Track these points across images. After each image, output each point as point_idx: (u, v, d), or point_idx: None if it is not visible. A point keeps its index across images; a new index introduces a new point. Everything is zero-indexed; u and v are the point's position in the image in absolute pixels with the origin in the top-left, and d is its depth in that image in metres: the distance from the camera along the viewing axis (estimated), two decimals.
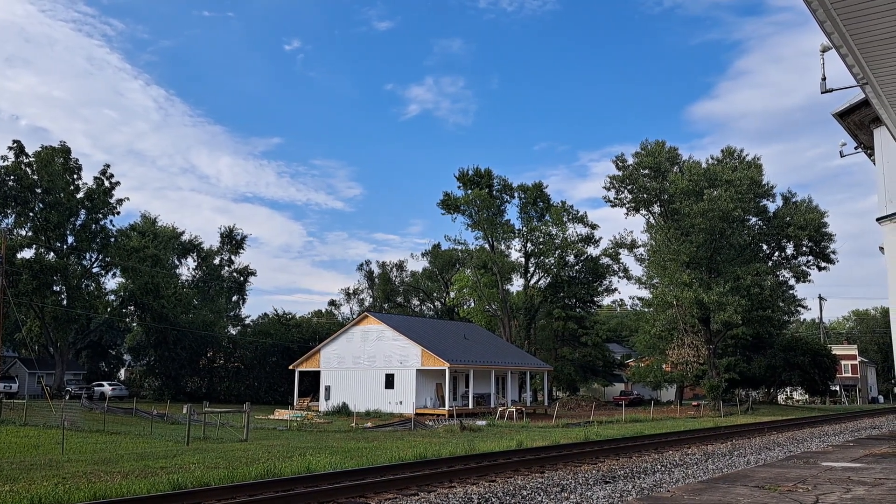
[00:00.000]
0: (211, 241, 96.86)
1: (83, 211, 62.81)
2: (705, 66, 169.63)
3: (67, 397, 47.98)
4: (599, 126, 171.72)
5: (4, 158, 58.68)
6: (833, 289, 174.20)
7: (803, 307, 70.60)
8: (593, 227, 69.95)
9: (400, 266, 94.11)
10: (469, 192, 67.59)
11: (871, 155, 11.60)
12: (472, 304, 72.05)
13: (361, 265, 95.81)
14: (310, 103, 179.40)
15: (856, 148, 12.28)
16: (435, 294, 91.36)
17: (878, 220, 9.76)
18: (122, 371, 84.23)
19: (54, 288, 60.79)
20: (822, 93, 9.65)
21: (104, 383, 63.57)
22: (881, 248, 9.79)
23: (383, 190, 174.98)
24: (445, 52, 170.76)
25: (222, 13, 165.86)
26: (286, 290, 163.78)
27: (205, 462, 16.88)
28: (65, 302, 61.29)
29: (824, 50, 9.27)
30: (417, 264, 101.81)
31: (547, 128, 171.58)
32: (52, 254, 61.27)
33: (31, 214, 60.15)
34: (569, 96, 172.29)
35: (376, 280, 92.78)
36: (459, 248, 72.48)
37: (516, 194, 71.32)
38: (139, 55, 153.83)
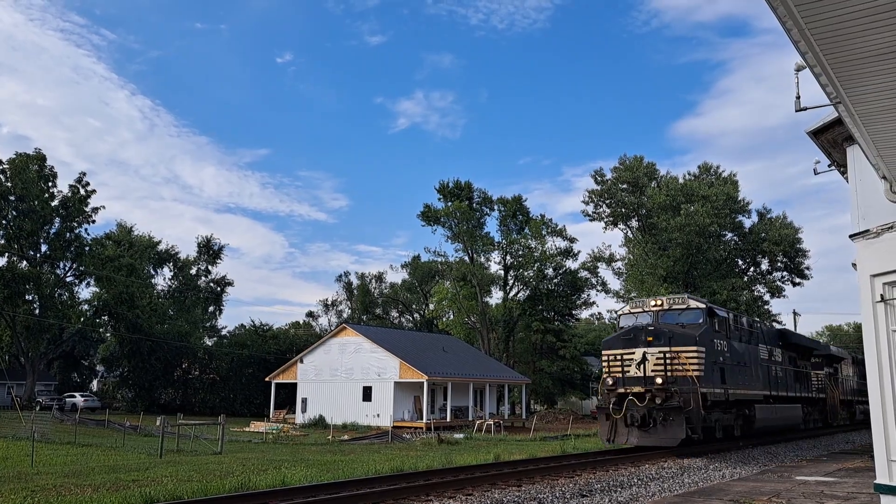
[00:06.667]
0: (191, 251, 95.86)
1: (57, 219, 62.02)
2: (690, 84, 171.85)
3: (38, 408, 47.21)
4: (584, 142, 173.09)
5: None
6: (809, 304, 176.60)
7: (778, 322, 71.54)
8: (572, 240, 70.40)
9: (379, 277, 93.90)
10: (449, 203, 67.74)
11: (844, 173, 11.80)
12: (451, 317, 71.97)
13: (340, 276, 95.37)
14: (299, 115, 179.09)
15: (829, 166, 12.47)
16: (414, 306, 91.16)
17: (851, 236, 9.91)
18: (95, 382, 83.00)
19: (26, 297, 59.79)
20: (796, 111, 9.81)
21: (76, 394, 62.55)
22: (854, 265, 9.94)
23: (369, 202, 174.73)
24: (436, 67, 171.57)
25: (215, 25, 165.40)
26: (266, 302, 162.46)
27: (178, 475, 16.64)
28: (37, 311, 60.32)
29: (799, 69, 9.45)
30: (397, 276, 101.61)
31: (532, 142, 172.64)
32: (24, 262, 60.32)
33: (3, 222, 59.24)
34: (554, 112, 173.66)
35: (355, 291, 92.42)
36: (439, 259, 72.55)
37: (496, 207, 71.64)
38: (127, 65, 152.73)
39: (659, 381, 20.23)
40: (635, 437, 20.58)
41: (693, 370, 20.21)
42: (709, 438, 22.13)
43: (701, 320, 21.66)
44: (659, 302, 22.44)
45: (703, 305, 22.12)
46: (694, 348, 20.52)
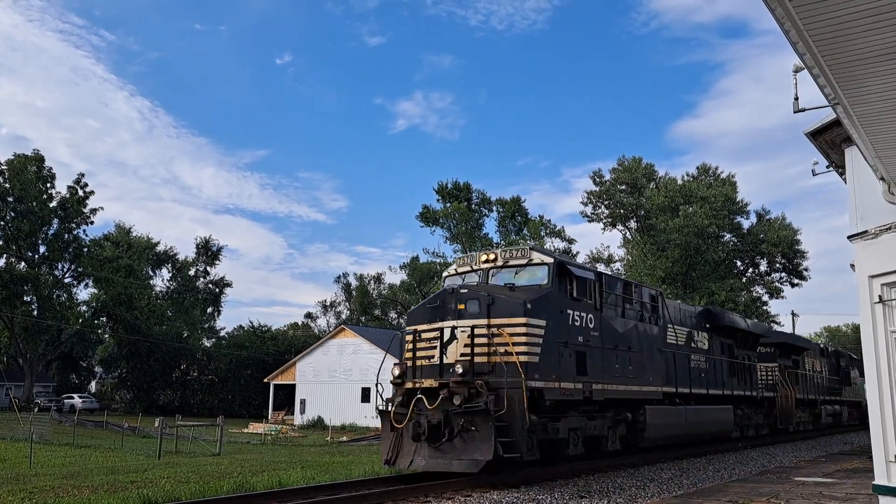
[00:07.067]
0: (189, 252, 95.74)
1: (56, 220, 62.00)
2: (689, 85, 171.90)
3: (36, 410, 47.12)
4: (583, 142, 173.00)
5: None
6: (808, 305, 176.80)
7: (776, 323, 71.58)
8: (570, 241, 70.40)
9: (378, 278, 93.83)
10: (448, 204, 67.79)
11: (842, 174, 11.81)
12: None
13: (339, 277, 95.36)
14: (299, 116, 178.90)
15: (827, 167, 12.50)
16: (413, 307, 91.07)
17: (849, 237, 9.92)
18: (93, 383, 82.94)
19: (25, 298, 59.77)
20: (794, 112, 9.84)
21: (74, 396, 62.51)
22: (852, 266, 9.95)
23: (368, 203, 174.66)
24: (435, 68, 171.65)
25: (214, 26, 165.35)
26: (265, 303, 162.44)
27: (176, 476, 16.62)
28: (35, 312, 60.28)
29: (797, 70, 9.47)
30: (395, 277, 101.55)
31: (531, 143, 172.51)
32: (23, 263, 60.29)
33: (1, 223, 59.21)
34: (554, 112, 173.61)
35: (354, 293, 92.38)
36: (438, 260, 72.57)
37: (495, 208, 71.71)
38: (126, 66, 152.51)
39: (459, 370, 13.29)
40: (423, 456, 13.77)
41: (520, 353, 13.43)
42: (553, 457, 15.24)
43: (545, 281, 14.81)
44: (491, 256, 15.71)
45: (551, 260, 15.28)
46: (523, 320, 13.71)
